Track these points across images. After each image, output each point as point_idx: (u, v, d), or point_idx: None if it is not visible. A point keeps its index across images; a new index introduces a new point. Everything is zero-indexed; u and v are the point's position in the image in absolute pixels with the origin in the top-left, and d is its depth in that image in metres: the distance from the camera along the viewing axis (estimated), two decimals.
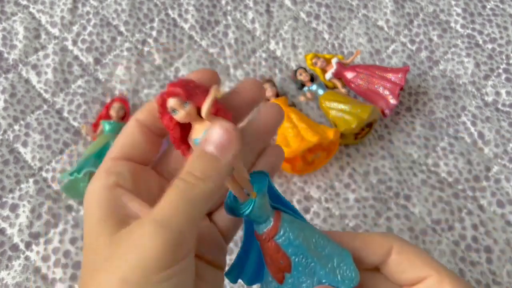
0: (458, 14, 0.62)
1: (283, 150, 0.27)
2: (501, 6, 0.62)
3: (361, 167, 0.51)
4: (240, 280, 0.25)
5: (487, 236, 0.48)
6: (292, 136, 0.48)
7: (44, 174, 0.48)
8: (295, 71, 0.55)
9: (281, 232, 0.21)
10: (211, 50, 0.57)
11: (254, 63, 0.56)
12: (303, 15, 0.60)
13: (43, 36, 0.55)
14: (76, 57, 0.55)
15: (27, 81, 0.52)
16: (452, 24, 0.61)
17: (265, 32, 0.59)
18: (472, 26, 0.61)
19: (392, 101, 0.51)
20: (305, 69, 0.55)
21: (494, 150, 0.52)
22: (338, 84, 0.55)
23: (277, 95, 0.53)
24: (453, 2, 0.62)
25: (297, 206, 0.48)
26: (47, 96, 0.52)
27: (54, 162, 0.48)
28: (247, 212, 0.21)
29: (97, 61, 0.55)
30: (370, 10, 0.61)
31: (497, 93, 0.56)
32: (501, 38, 0.60)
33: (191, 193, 0.20)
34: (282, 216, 0.22)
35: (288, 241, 0.21)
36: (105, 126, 0.49)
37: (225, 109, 0.21)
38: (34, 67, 0.53)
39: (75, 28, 0.56)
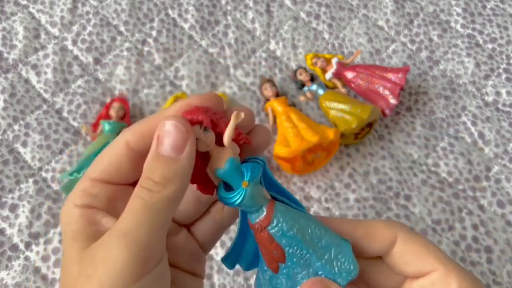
0: (458, 14, 0.62)
1: (268, 129, 0.25)
2: (501, 6, 0.62)
3: (361, 167, 0.51)
4: (236, 267, 0.25)
5: (487, 236, 0.47)
6: (292, 136, 0.48)
7: (43, 174, 0.48)
8: (295, 71, 0.55)
9: (274, 223, 0.21)
10: (211, 50, 0.57)
11: (254, 63, 0.56)
12: (303, 15, 0.60)
13: (43, 36, 0.55)
14: (76, 57, 0.54)
15: (26, 81, 0.52)
16: (452, 24, 0.61)
17: (265, 32, 0.59)
18: (472, 26, 0.61)
19: (392, 101, 0.51)
20: (305, 69, 0.55)
21: (494, 150, 0.52)
22: (338, 84, 0.55)
23: (277, 95, 0.53)
24: (453, 2, 0.62)
25: None
26: (46, 96, 0.52)
27: (53, 162, 0.48)
28: (237, 202, 0.20)
29: (97, 61, 0.55)
30: (370, 10, 0.61)
31: (498, 93, 0.56)
32: (501, 38, 0.60)
33: (152, 200, 0.19)
34: (276, 205, 0.21)
35: (282, 232, 0.21)
36: (105, 126, 0.49)
37: (245, 135, 0.21)
38: (34, 67, 0.53)
39: (75, 28, 0.56)
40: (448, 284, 0.22)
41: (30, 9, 0.57)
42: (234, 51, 0.57)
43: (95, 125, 0.50)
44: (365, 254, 0.23)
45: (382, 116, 0.52)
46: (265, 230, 0.21)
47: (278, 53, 0.57)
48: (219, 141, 0.21)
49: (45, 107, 0.51)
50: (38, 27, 0.56)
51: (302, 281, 0.21)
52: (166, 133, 0.19)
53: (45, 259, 0.44)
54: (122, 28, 0.57)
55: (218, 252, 0.46)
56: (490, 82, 0.57)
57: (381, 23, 0.61)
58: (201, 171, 0.21)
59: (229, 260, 0.24)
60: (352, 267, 0.21)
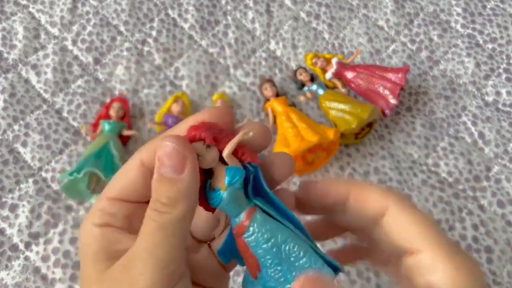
0: (458, 14, 0.62)
1: (291, 157, 0.24)
2: (501, 5, 0.62)
3: (361, 167, 0.51)
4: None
5: (487, 236, 0.47)
6: (292, 136, 0.48)
7: (43, 174, 0.48)
8: (295, 71, 0.55)
9: (250, 232, 0.20)
10: (211, 50, 0.57)
11: (254, 63, 0.56)
12: (303, 14, 0.60)
13: (43, 36, 0.55)
14: (75, 57, 0.54)
15: (26, 81, 0.52)
16: (453, 24, 0.61)
17: (265, 32, 0.58)
18: (472, 26, 0.61)
19: (392, 101, 0.51)
20: (305, 69, 0.55)
21: (494, 150, 0.52)
22: (338, 84, 0.55)
23: (277, 95, 0.53)
24: (453, 2, 0.62)
25: None
26: (46, 96, 0.52)
27: (53, 162, 0.48)
28: (214, 204, 0.20)
29: (96, 61, 0.54)
30: (370, 10, 0.61)
31: (498, 93, 0.56)
32: (502, 38, 0.60)
33: (164, 221, 0.19)
34: (255, 214, 0.20)
35: (256, 243, 0.20)
36: (105, 126, 0.49)
37: (251, 152, 0.20)
38: (34, 67, 0.53)
39: (74, 28, 0.56)
40: (434, 270, 0.20)
41: (30, 9, 0.57)
42: (234, 51, 0.57)
43: (95, 125, 0.50)
44: (355, 218, 0.22)
45: (382, 116, 0.52)
46: (241, 237, 0.20)
47: (278, 53, 0.57)
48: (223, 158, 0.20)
49: (45, 107, 0.51)
50: (38, 27, 0.56)
51: None
52: (165, 154, 0.19)
53: (45, 259, 0.44)
54: (122, 28, 0.57)
55: None
56: (490, 82, 0.57)
57: (381, 23, 0.60)
58: (203, 188, 0.21)
59: (224, 255, 0.23)
60: None
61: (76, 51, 0.55)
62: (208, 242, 0.26)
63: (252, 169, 0.21)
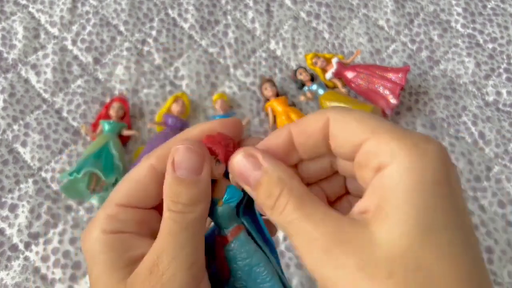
0: (458, 14, 0.61)
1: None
2: (501, 5, 0.62)
3: None
4: None
5: (488, 236, 0.47)
6: None
7: (43, 174, 0.48)
8: (295, 71, 0.55)
9: (231, 247, 0.22)
10: (211, 50, 0.57)
11: (254, 62, 0.56)
12: (303, 14, 0.60)
13: (43, 35, 0.55)
14: (75, 57, 0.54)
15: (26, 81, 0.52)
16: (453, 24, 0.61)
17: (265, 32, 0.58)
18: (472, 26, 0.61)
19: (393, 100, 0.51)
20: (305, 68, 0.55)
21: (495, 150, 0.52)
22: (339, 83, 0.55)
23: (277, 95, 0.53)
24: (453, 2, 0.62)
25: None
26: (46, 96, 0.52)
27: (53, 162, 0.48)
28: (209, 214, 0.22)
29: (96, 60, 0.54)
30: (370, 10, 0.61)
31: (498, 93, 0.56)
32: (502, 37, 0.60)
33: (187, 221, 0.20)
34: (239, 234, 0.22)
35: (233, 257, 0.22)
36: (105, 126, 0.49)
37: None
38: (34, 67, 0.53)
39: (74, 27, 0.56)
40: (380, 152, 0.18)
41: (30, 9, 0.57)
42: (234, 51, 0.57)
43: (95, 125, 0.50)
44: (308, 153, 0.21)
45: (382, 116, 0.52)
46: (221, 247, 0.22)
47: (278, 53, 0.57)
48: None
49: (44, 107, 0.51)
50: (37, 27, 0.56)
51: None
52: (183, 157, 0.20)
53: (44, 259, 0.44)
54: (122, 28, 0.57)
55: None
56: (490, 82, 0.57)
57: (381, 22, 0.60)
58: None
59: None
60: None
61: (76, 51, 0.55)
62: None
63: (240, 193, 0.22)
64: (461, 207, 0.17)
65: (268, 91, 0.53)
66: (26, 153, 0.48)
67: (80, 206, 0.46)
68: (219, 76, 0.55)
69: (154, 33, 0.57)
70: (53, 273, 0.43)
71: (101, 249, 0.20)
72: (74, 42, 0.55)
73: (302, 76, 0.54)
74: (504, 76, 0.57)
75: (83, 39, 0.55)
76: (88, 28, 0.56)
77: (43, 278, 0.43)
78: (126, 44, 0.56)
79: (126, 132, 0.49)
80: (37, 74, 0.53)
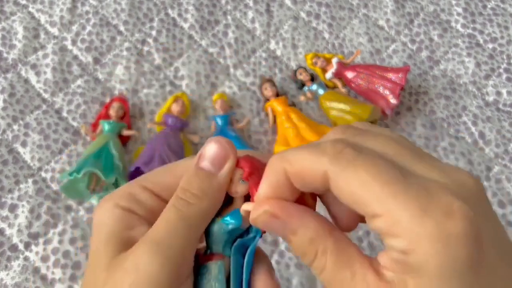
0: (458, 14, 0.61)
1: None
2: (501, 5, 0.62)
3: None
4: None
5: None
6: (292, 136, 0.48)
7: (43, 174, 0.48)
8: (295, 71, 0.55)
9: (205, 268, 0.21)
10: (211, 50, 0.57)
11: (254, 63, 0.56)
12: (303, 14, 0.60)
13: (42, 35, 0.55)
14: (75, 57, 0.54)
15: (26, 81, 0.52)
16: (453, 24, 0.61)
17: (265, 32, 0.58)
18: (472, 26, 0.61)
19: (393, 100, 0.51)
20: (305, 68, 0.55)
21: (495, 150, 0.52)
22: (339, 83, 0.55)
23: (277, 95, 0.53)
24: (453, 2, 0.62)
25: None
26: (46, 96, 0.52)
27: (53, 162, 0.48)
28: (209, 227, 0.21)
29: (96, 60, 0.54)
30: (370, 10, 0.61)
31: (498, 93, 0.56)
32: (502, 37, 0.60)
33: (188, 212, 0.19)
34: (218, 265, 0.20)
35: (202, 278, 0.21)
36: (104, 126, 0.49)
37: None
38: (33, 66, 0.53)
39: (74, 27, 0.56)
40: (392, 235, 0.16)
41: (30, 9, 0.57)
42: (234, 51, 0.57)
43: (95, 125, 0.50)
44: (309, 190, 0.19)
45: (382, 116, 0.52)
46: (199, 260, 0.21)
47: (278, 53, 0.57)
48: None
49: (44, 107, 0.51)
50: (37, 26, 0.56)
51: None
52: (209, 148, 0.20)
53: (44, 259, 0.44)
54: (121, 28, 0.57)
55: None
56: (490, 82, 0.57)
57: (381, 22, 0.60)
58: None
59: None
60: None
61: (75, 51, 0.55)
62: None
63: (254, 233, 0.21)
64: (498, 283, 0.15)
65: (268, 91, 0.53)
66: (26, 153, 0.48)
67: (80, 206, 0.46)
68: (219, 76, 0.55)
69: (154, 33, 0.57)
70: (53, 273, 0.43)
71: (106, 221, 0.20)
72: (74, 42, 0.55)
73: (302, 76, 0.54)
74: (504, 76, 0.57)
75: (83, 39, 0.55)
76: (88, 28, 0.56)
77: (43, 278, 0.43)
78: (126, 44, 0.56)
79: (126, 132, 0.49)
80: (37, 74, 0.53)
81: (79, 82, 0.53)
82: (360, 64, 0.55)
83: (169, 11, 0.59)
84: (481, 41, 0.60)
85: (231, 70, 0.56)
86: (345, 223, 0.20)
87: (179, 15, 0.58)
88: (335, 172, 0.17)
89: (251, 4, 0.60)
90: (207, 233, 0.21)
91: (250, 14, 0.59)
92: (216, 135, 0.51)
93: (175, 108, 0.51)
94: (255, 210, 0.19)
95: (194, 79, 0.54)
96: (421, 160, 0.17)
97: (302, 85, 0.54)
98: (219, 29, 0.58)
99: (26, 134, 0.49)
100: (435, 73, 0.57)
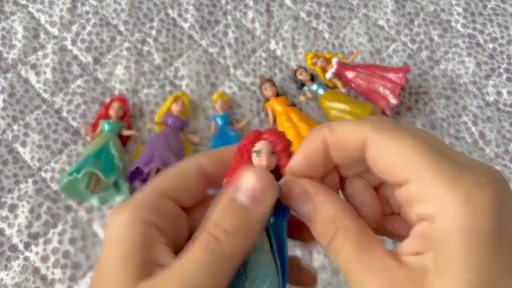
0: (459, 14, 0.61)
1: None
2: (502, 5, 0.62)
3: None
4: None
5: None
6: (292, 136, 0.48)
7: (43, 174, 0.48)
8: (295, 71, 0.55)
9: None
10: (211, 50, 0.57)
11: (254, 62, 0.56)
12: (303, 14, 0.60)
13: (42, 35, 0.55)
14: (75, 57, 0.54)
15: (26, 80, 0.52)
16: (453, 24, 0.61)
17: (265, 32, 0.58)
18: (473, 26, 0.61)
19: (393, 100, 0.51)
20: (305, 68, 0.55)
21: (495, 150, 0.52)
22: (339, 83, 0.55)
23: (277, 95, 0.53)
24: (453, 2, 0.62)
25: None
26: (46, 96, 0.52)
27: (53, 162, 0.48)
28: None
29: (96, 60, 0.54)
30: (370, 10, 0.61)
31: (498, 93, 0.56)
32: (502, 37, 0.60)
33: (219, 250, 0.17)
34: (262, 242, 0.20)
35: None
36: (104, 126, 0.49)
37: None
38: (33, 66, 0.53)
39: (74, 27, 0.56)
40: (422, 201, 0.16)
41: (30, 9, 0.57)
42: (234, 51, 0.57)
43: (95, 125, 0.50)
44: (344, 162, 0.19)
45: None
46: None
47: (278, 53, 0.57)
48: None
49: (44, 107, 0.51)
50: (37, 26, 0.56)
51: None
52: (247, 180, 0.18)
53: (44, 259, 0.44)
54: (121, 28, 0.57)
55: None
56: (491, 82, 0.57)
57: (381, 22, 0.60)
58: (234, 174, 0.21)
59: None
60: None
61: (75, 51, 0.55)
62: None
63: (284, 209, 0.21)
64: None
65: (268, 91, 0.53)
66: (26, 153, 0.48)
67: (80, 206, 0.46)
68: (219, 76, 0.55)
69: (154, 33, 0.57)
70: (52, 273, 0.43)
71: (125, 237, 0.18)
72: (74, 42, 0.55)
73: (302, 76, 0.54)
74: (505, 76, 0.57)
75: (83, 39, 0.55)
76: (88, 28, 0.56)
77: (43, 278, 0.43)
78: (126, 44, 0.56)
79: (126, 132, 0.49)
80: (37, 74, 0.53)
81: (79, 82, 0.53)
82: (360, 64, 0.55)
83: (169, 11, 0.59)
84: (481, 41, 0.60)
85: (231, 70, 0.56)
86: (366, 217, 0.20)
87: (179, 15, 0.58)
88: (375, 139, 0.17)
89: (251, 4, 0.60)
90: None
91: (250, 14, 0.59)
92: (216, 135, 0.51)
93: (175, 108, 0.51)
94: (290, 183, 0.19)
95: (194, 79, 0.54)
96: (453, 151, 0.18)
97: (302, 85, 0.54)
98: (219, 29, 0.58)
99: (26, 134, 0.49)
100: (435, 73, 0.57)
